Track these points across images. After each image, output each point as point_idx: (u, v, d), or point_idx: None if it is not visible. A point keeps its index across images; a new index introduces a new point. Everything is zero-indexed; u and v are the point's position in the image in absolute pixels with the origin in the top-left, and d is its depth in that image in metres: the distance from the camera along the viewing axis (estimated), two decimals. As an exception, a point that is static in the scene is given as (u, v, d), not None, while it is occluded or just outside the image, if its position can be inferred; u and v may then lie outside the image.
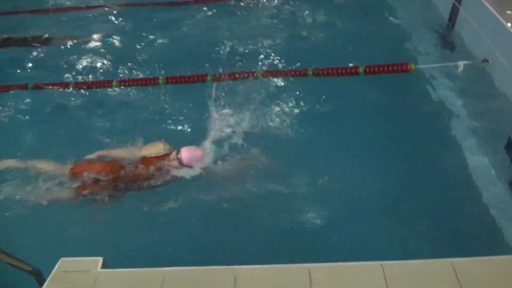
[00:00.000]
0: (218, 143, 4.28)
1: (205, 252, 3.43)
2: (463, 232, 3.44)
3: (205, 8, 7.15)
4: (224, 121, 4.49)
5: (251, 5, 7.08)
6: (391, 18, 6.47)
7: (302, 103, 4.86)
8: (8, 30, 7.11)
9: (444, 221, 3.55)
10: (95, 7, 7.74)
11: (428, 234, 3.43)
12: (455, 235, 3.41)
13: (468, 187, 3.89)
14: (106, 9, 7.57)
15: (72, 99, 5.43)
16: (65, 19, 7.57)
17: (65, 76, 5.88)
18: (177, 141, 4.25)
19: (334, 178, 3.90)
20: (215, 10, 7.06)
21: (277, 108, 4.77)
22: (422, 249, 2.96)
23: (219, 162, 4.12)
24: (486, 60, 5.04)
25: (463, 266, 2.52)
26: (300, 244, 3.38)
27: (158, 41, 6.52)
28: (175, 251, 3.46)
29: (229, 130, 4.42)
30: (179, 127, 4.76)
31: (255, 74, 5.37)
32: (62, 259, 2.67)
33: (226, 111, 4.62)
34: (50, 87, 5.63)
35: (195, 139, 4.31)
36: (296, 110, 4.75)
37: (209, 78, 5.41)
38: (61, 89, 5.60)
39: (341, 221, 3.54)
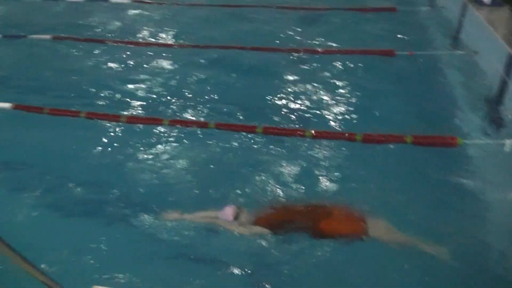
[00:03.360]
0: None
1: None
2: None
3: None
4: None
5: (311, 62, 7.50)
6: (438, 87, 6.70)
7: (344, 168, 5.07)
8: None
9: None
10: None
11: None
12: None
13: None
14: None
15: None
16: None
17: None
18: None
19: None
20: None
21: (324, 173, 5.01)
22: None
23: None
24: (536, 141, 5.09)
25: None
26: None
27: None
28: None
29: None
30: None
31: (303, 132, 5.63)
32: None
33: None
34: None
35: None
36: (338, 177, 4.94)
37: (259, 129, 5.71)
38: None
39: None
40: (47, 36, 8.93)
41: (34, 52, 8.55)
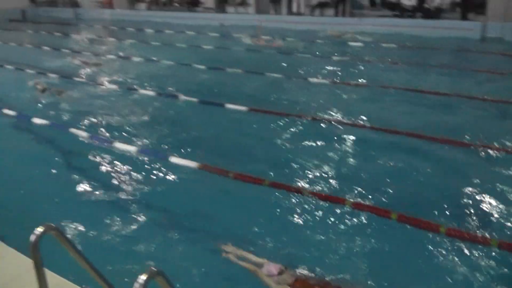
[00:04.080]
0: None
1: None
2: None
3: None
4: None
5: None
6: None
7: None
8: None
9: None
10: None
11: None
12: None
13: None
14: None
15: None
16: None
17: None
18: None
19: None
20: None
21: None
22: None
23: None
24: None
25: None
26: None
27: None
28: None
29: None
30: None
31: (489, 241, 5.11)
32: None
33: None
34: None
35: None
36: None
37: (442, 230, 5.34)
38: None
39: None
40: (243, 108, 9.64)
41: (228, 120, 9.29)
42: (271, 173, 6.80)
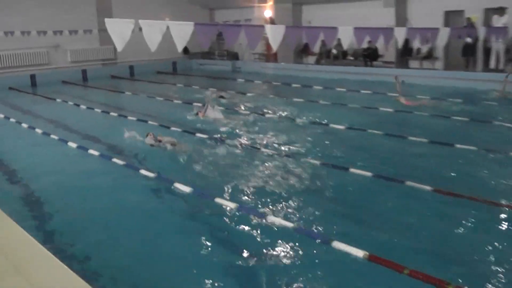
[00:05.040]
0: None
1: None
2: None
3: None
4: None
5: None
6: None
7: None
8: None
9: None
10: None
11: None
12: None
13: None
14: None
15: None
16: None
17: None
18: None
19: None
20: None
21: None
22: None
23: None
24: None
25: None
26: None
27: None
28: None
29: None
30: None
31: None
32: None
33: None
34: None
35: None
36: None
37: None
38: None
39: None
40: (427, 187, 8.60)
41: (408, 201, 8.32)
42: (457, 277, 5.86)
